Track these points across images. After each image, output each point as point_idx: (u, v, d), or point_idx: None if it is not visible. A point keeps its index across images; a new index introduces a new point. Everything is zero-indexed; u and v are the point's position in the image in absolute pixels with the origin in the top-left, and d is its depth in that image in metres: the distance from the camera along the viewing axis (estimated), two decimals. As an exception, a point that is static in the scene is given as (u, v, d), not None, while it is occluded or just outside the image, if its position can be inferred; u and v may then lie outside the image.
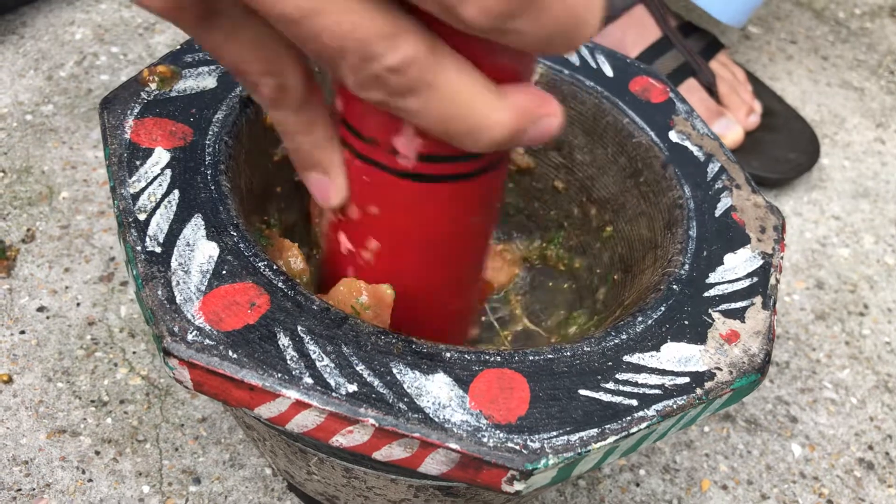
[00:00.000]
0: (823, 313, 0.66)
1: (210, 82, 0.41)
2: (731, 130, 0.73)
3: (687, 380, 0.33)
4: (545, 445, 0.30)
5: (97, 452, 0.49)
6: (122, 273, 0.58)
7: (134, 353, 0.54)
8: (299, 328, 0.32)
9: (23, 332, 0.54)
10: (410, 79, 0.25)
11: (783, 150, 0.75)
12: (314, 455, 0.37)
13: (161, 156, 0.37)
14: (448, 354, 0.32)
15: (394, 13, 0.24)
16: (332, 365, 0.31)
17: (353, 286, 0.35)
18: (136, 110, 0.39)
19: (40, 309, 0.55)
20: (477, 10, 0.23)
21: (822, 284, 0.68)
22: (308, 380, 0.30)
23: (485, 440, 0.30)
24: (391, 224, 0.33)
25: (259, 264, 0.34)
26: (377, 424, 0.30)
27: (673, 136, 0.44)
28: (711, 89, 0.75)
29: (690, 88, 0.74)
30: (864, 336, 0.64)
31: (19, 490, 0.47)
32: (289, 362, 0.31)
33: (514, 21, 0.24)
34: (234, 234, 0.35)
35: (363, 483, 0.37)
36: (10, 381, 0.52)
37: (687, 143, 0.44)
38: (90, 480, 0.48)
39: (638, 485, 0.53)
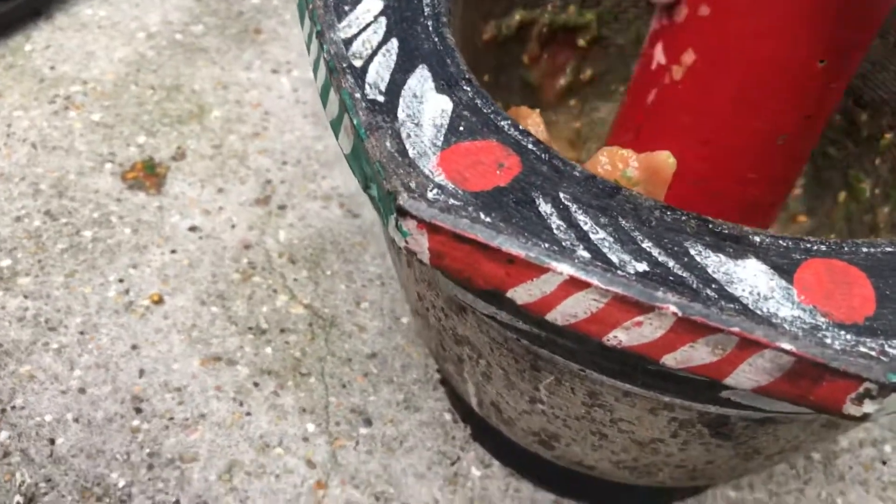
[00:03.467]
0: None
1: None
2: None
3: None
4: (911, 353, 0.22)
5: (256, 384, 0.43)
6: (279, 197, 0.52)
7: (295, 280, 0.48)
8: (562, 195, 0.25)
9: (174, 252, 0.49)
10: None
11: None
12: (550, 374, 0.29)
13: (373, 2, 0.31)
14: (757, 238, 0.25)
15: None
16: (611, 239, 0.24)
17: (617, 155, 0.27)
18: (339, -43, 0.33)
19: (192, 229, 0.50)
20: None
21: None
22: (583, 253, 0.23)
23: (828, 341, 0.22)
24: (718, 31, 0.27)
25: (502, 123, 0.27)
26: (680, 313, 0.22)
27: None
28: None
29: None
30: None
31: (171, 419, 0.41)
32: (555, 232, 0.24)
33: None
34: (468, 88, 0.28)
35: (608, 414, 0.30)
36: (160, 301, 0.46)
37: None
38: (248, 414, 0.42)
39: (884, 462, 0.44)
